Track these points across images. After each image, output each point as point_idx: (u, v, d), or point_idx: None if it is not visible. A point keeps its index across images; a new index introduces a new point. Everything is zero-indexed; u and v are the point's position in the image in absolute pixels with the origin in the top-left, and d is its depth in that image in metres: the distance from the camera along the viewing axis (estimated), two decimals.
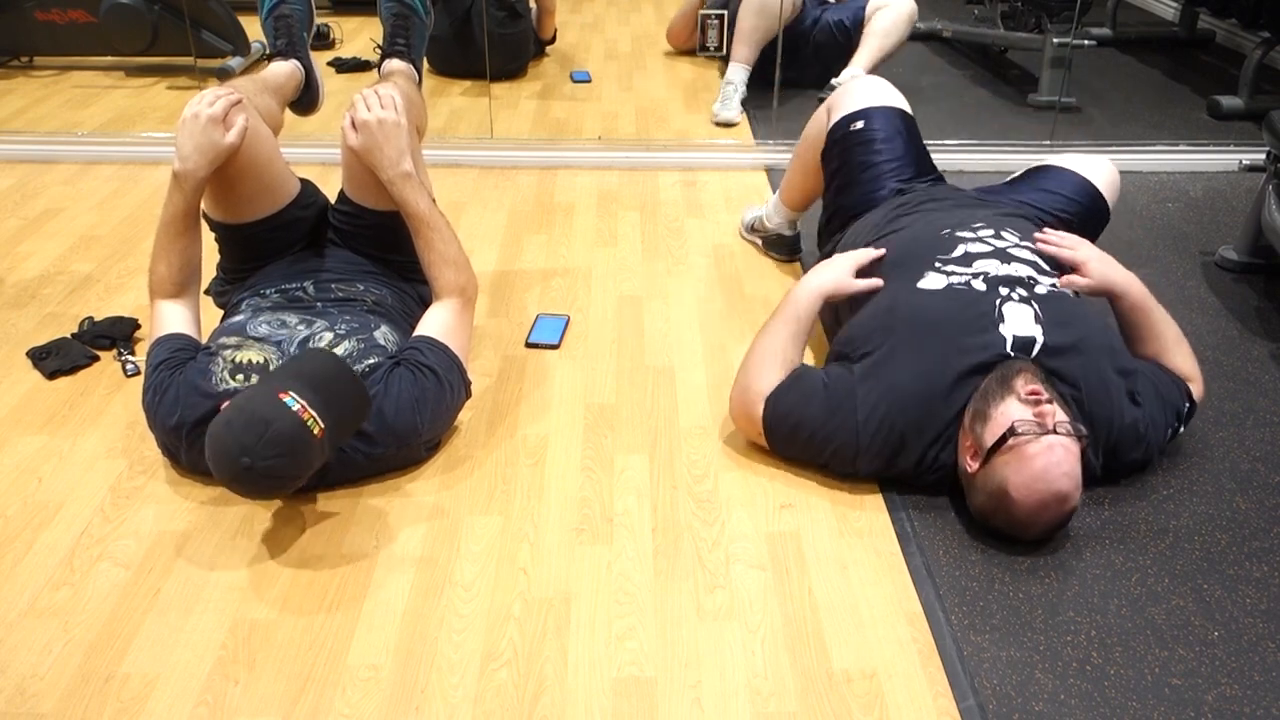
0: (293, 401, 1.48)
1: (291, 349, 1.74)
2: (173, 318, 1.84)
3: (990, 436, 1.58)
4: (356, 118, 1.90)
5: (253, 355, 1.71)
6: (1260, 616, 1.53)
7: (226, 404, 1.57)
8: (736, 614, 1.52)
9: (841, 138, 2.22)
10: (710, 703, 1.38)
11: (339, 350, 1.74)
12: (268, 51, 2.23)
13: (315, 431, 1.50)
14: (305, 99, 2.24)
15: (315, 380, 1.53)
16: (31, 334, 2.20)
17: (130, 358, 2.09)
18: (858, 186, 2.19)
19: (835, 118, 2.24)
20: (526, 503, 1.74)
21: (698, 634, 1.48)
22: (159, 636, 1.47)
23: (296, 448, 1.49)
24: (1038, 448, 1.54)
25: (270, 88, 2.09)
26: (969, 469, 1.63)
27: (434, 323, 1.86)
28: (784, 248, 2.58)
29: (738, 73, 3.53)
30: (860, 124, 2.20)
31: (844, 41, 3.65)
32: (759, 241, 2.64)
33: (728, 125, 3.44)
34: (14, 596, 1.53)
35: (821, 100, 3.30)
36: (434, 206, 1.93)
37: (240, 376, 1.69)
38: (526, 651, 1.45)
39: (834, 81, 3.45)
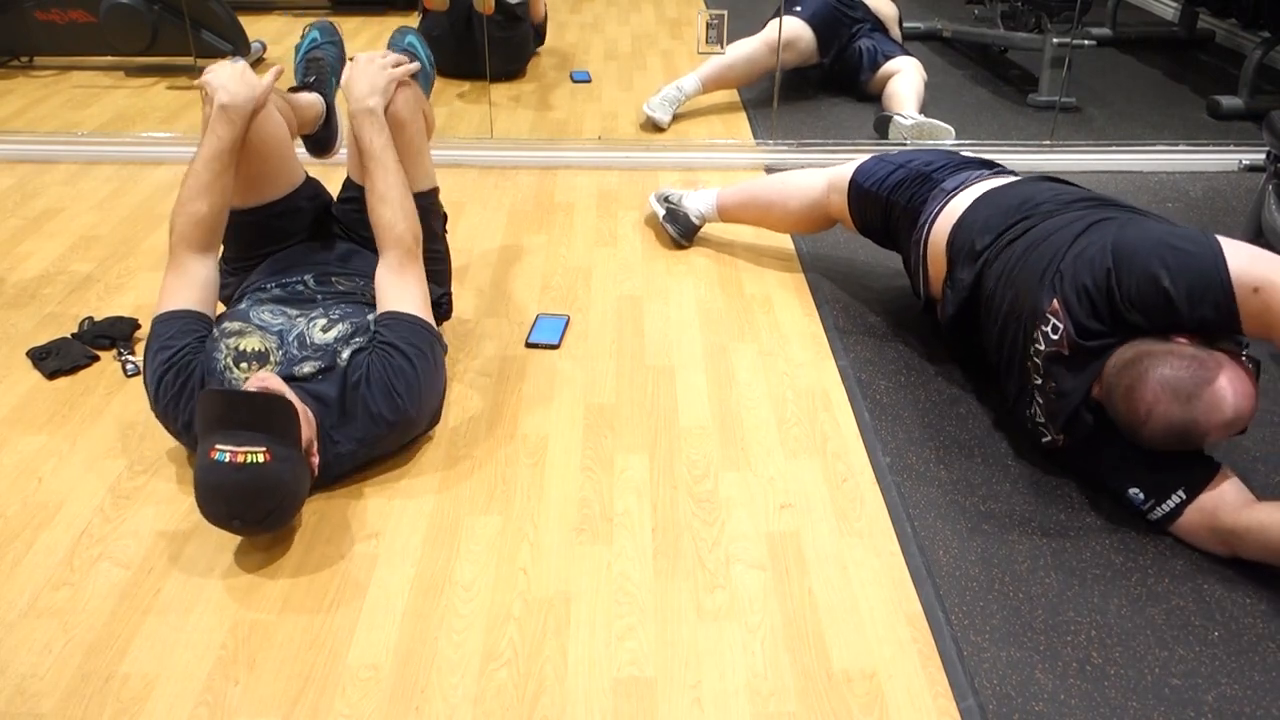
0: (253, 455, 1.49)
1: (290, 339, 1.76)
2: (194, 281, 1.81)
3: None
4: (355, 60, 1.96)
5: (255, 343, 1.74)
6: (1260, 616, 1.53)
7: (213, 453, 1.51)
8: (736, 614, 1.52)
9: (872, 164, 2.27)
10: (710, 703, 1.38)
11: (331, 334, 1.78)
12: (292, 85, 2.22)
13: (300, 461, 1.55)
14: (322, 136, 2.23)
15: (254, 421, 1.52)
16: (31, 334, 2.20)
17: (130, 358, 2.09)
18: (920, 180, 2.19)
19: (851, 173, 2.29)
20: (526, 503, 1.74)
21: (698, 634, 1.48)
22: (159, 636, 1.47)
23: (285, 501, 1.55)
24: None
25: (290, 101, 2.10)
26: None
27: (384, 293, 1.85)
28: (685, 233, 2.61)
29: (690, 85, 3.43)
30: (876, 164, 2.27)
31: (855, 73, 3.61)
32: (663, 211, 2.65)
33: (656, 128, 3.35)
34: (14, 596, 1.54)
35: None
36: (389, 148, 1.93)
37: (244, 364, 1.72)
38: (526, 651, 1.45)
39: (897, 118, 3.25)
